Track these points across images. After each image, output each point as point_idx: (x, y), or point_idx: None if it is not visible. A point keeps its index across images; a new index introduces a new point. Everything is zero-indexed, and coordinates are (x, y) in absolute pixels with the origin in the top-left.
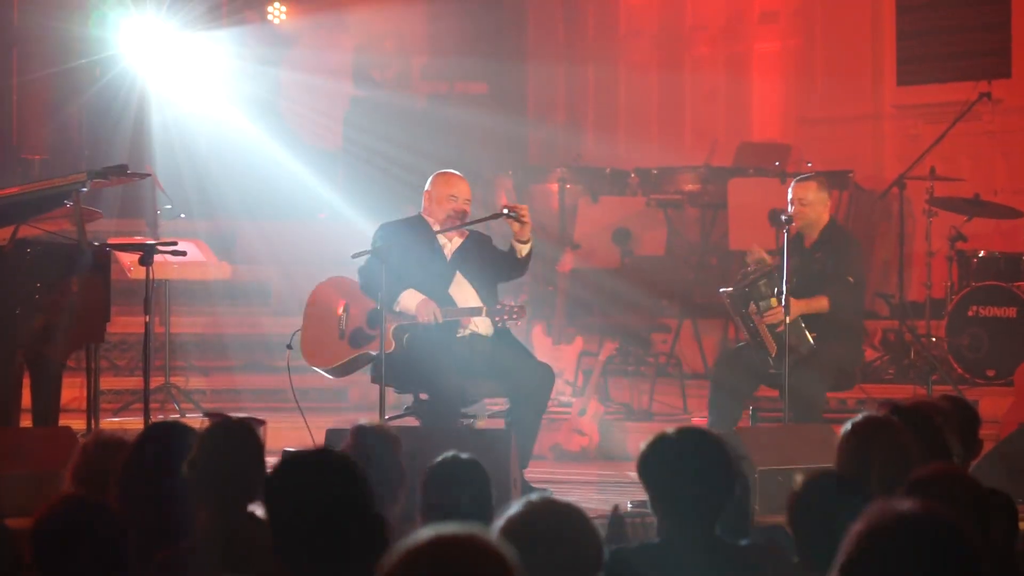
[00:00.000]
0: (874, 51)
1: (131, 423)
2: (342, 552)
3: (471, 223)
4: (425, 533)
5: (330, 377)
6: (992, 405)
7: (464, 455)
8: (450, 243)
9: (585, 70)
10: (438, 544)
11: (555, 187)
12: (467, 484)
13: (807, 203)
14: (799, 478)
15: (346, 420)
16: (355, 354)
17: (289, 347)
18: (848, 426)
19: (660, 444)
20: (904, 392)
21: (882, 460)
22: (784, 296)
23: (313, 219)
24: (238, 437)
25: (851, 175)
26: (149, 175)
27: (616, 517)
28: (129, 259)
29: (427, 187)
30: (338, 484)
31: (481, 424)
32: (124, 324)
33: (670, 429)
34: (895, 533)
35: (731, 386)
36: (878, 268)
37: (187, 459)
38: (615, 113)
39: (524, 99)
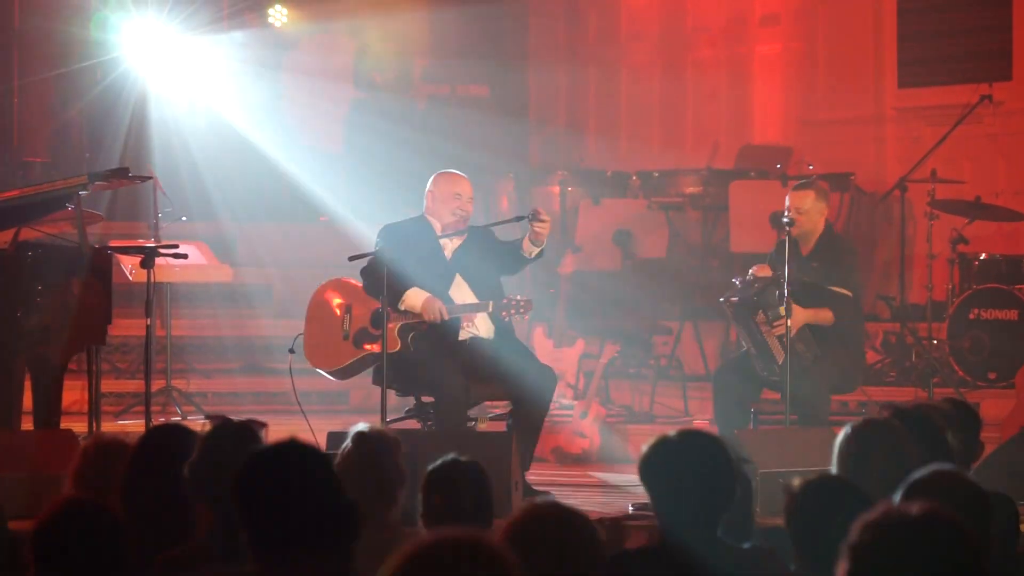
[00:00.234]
0: (875, 53)
1: (132, 426)
2: (315, 540)
3: (491, 225)
4: (427, 536)
5: (333, 379)
6: (993, 407)
7: (465, 458)
8: (451, 243)
9: (586, 72)
10: (440, 547)
11: (556, 189)
12: (468, 487)
13: (804, 212)
14: (797, 480)
15: (347, 423)
16: (359, 355)
17: (291, 351)
18: (848, 429)
19: (661, 446)
20: (905, 395)
21: (882, 463)
22: (786, 300)
23: (314, 221)
24: (239, 440)
25: (852, 178)
26: (150, 178)
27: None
28: (130, 262)
29: (429, 187)
30: (308, 473)
31: (482, 427)
32: (125, 327)
33: (671, 431)
34: (900, 535)
35: (736, 395)
36: (879, 270)
37: (188, 461)
38: (616, 115)
39: (525, 101)
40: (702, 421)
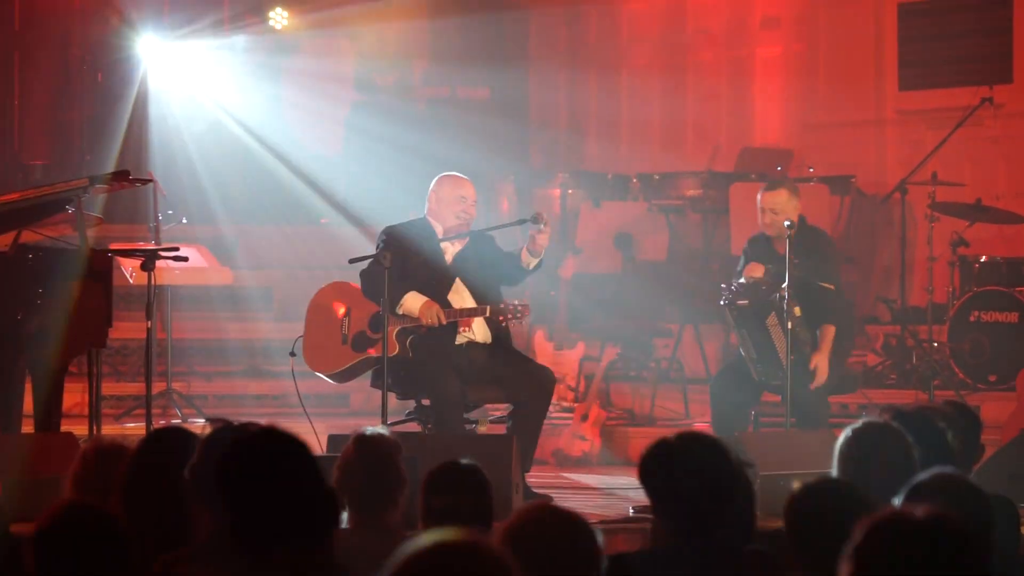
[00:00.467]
0: (876, 56)
1: (133, 429)
2: (296, 527)
3: (492, 229)
4: (427, 539)
5: (332, 382)
6: (994, 410)
7: (464, 460)
8: (452, 247)
9: (587, 75)
10: (440, 550)
11: (557, 192)
12: (467, 489)
13: (779, 211)
14: (797, 483)
15: (348, 426)
16: (358, 358)
17: (292, 353)
18: (848, 431)
19: (662, 449)
20: (906, 397)
21: (882, 465)
22: (786, 302)
23: (315, 224)
24: None
25: (853, 180)
26: (150, 180)
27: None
28: (131, 264)
29: (433, 189)
30: (288, 460)
31: (483, 429)
32: (126, 329)
33: (672, 434)
34: (905, 538)
35: (734, 402)
36: (880, 273)
37: (189, 464)
38: (617, 118)
39: (526, 104)
40: (703, 424)
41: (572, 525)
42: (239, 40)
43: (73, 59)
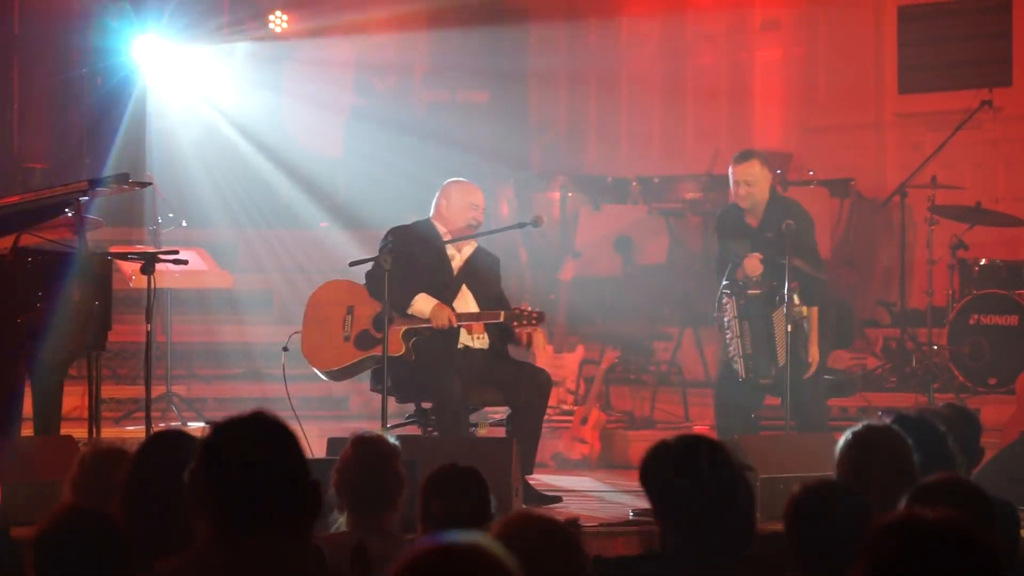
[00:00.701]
0: (876, 59)
1: (133, 432)
2: (278, 513)
3: (492, 232)
4: (427, 542)
5: (328, 380)
6: (994, 413)
7: (463, 464)
8: (459, 255)
9: (587, 78)
10: (439, 553)
11: (557, 195)
12: (466, 493)
13: (752, 183)
14: (797, 486)
15: (347, 429)
16: (361, 356)
17: (285, 349)
18: (848, 434)
19: (662, 452)
20: (906, 400)
21: (882, 468)
22: (786, 303)
23: (315, 228)
24: None
25: (853, 183)
26: (150, 183)
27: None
28: (130, 268)
29: (442, 195)
30: (273, 444)
31: (482, 432)
32: (126, 333)
33: (672, 437)
34: (918, 541)
35: (741, 408)
36: (880, 276)
37: (189, 468)
38: (617, 121)
39: (526, 107)
40: (702, 426)
41: (556, 533)
42: (239, 44)
43: (73, 63)
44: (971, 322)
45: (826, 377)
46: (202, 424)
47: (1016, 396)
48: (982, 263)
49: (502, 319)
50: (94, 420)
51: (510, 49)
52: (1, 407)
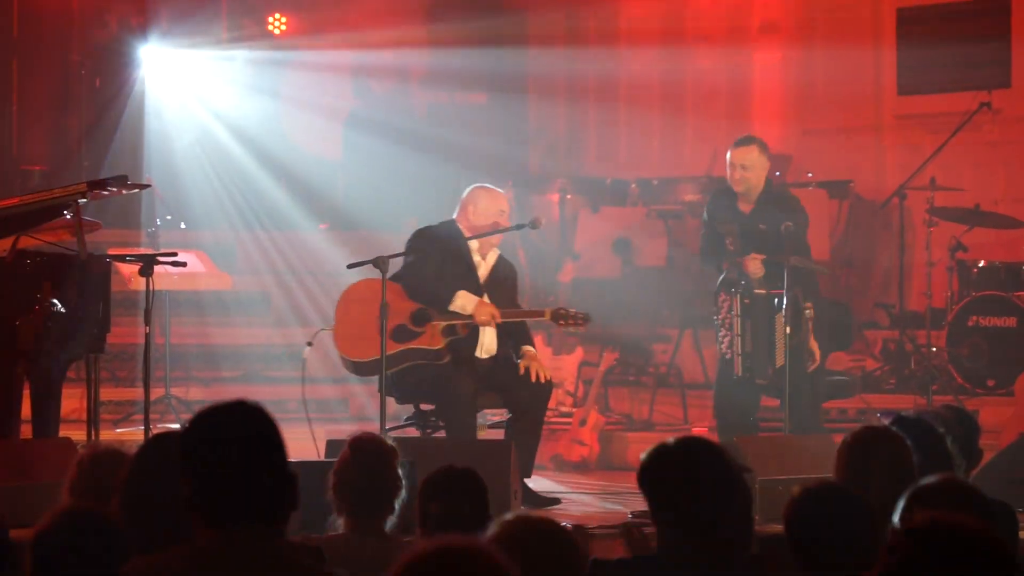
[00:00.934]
0: (875, 61)
1: (131, 434)
2: (257, 503)
3: (492, 234)
4: (425, 544)
5: (355, 374)
6: (992, 415)
7: (460, 465)
8: (484, 262)
9: (585, 80)
10: (438, 555)
11: (555, 197)
12: (464, 495)
13: (749, 168)
14: (796, 488)
15: (346, 430)
16: (400, 348)
17: (310, 344)
18: (847, 436)
19: (660, 454)
20: (905, 402)
21: (882, 470)
22: (785, 304)
23: (314, 229)
24: None
25: (852, 185)
26: (149, 186)
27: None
28: (129, 270)
29: (469, 199)
30: (252, 433)
31: (481, 434)
32: (124, 335)
33: (670, 439)
34: (945, 545)
35: (740, 410)
36: (878, 278)
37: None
38: (616, 123)
39: (525, 109)
40: (701, 428)
41: (555, 535)
42: (237, 46)
43: (72, 65)
44: (970, 324)
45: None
46: None
47: (1015, 398)
48: (981, 265)
49: (547, 317)
50: (93, 422)
51: (509, 51)
52: (0, 409)
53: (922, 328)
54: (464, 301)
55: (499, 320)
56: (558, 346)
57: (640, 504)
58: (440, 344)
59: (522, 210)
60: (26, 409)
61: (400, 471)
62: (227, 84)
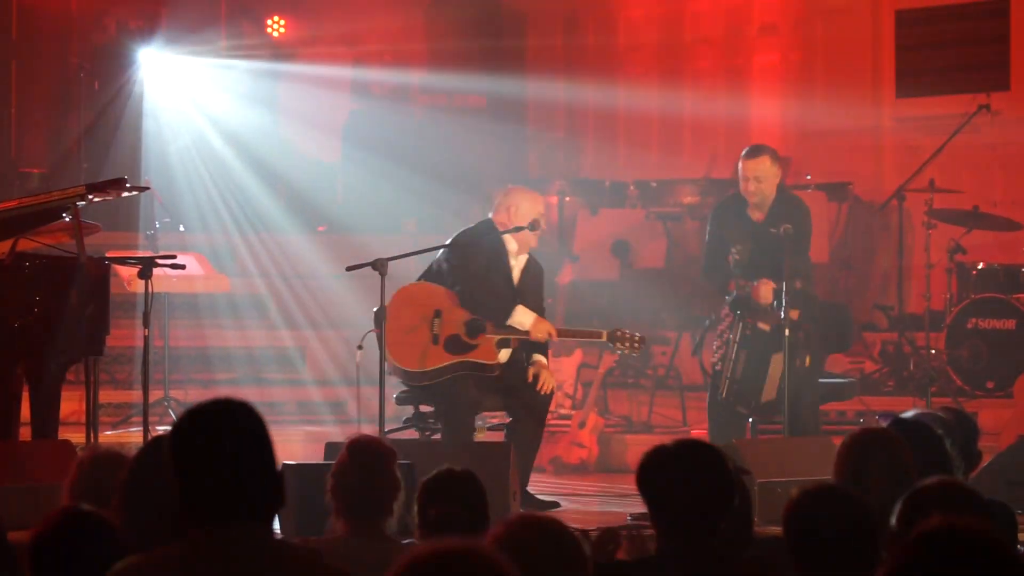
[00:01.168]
0: (874, 64)
1: (130, 436)
2: (246, 499)
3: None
4: (423, 547)
5: (405, 382)
6: (991, 417)
7: (459, 468)
8: (517, 264)
9: (584, 82)
10: (437, 558)
11: (554, 199)
12: (463, 497)
13: (763, 179)
14: (795, 490)
15: (345, 433)
16: (450, 360)
17: (360, 347)
18: (846, 438)
19: (659, 456)
20: (903, 404)
21: (880, 472)
22: (783, 305)
23: (312, 232)
24: None
25: (850, 187)
26: (147, 188)
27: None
28: (128, 272)
29: (510, 201)
30: (240, 430)
31: (481, 437)
32: (123, 337)
33: (669, 441)
34: (953, 549)
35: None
36: (877, 280)
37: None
38: (614, 126)
39: (523, 112)
40: (700, 431)
41: (556, 537)
42: (236, 48)
43: (71, 68)
44: (969, 326)
45: (822, 381)
46: None
47: (1014, 400)
48: (980, 267)
49: (604, 338)
50: (91, 425)
51: (507, 53)
52: None
53: (921, 330)
54: (522, 317)
55: (555, 338)
56: (557, 348)
57: (639, 506)
58: (495, 359)
59: None
60: (25, 411)
61: (399, 473)
62: (226, 86)
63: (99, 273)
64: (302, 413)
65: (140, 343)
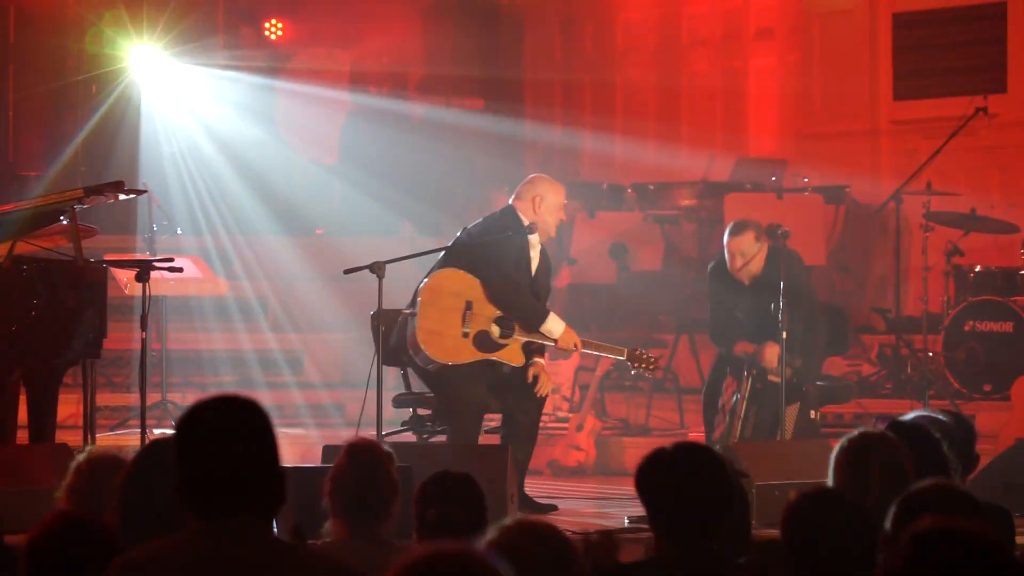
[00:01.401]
0: (871, 66)
1: (128, 439)
2: (249, 499)
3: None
4: (421, 550)
5: (424, 365)
6: (989, 420)
7: (457, 471)
8: (535, 257)
9: (582, 85)
10: (434, 560)
11: None
12: (460, 500)
13: (747, 254)
14: (793, 493)
15: (343, 436)
16: (480, 358)
17: (411, 312)
18: (844, 441)
19: (657, 459)
20: (901, 407)
21: (878, 475)
22: (781, 305)
23: (310, 234)
24: None
25: (848, 190)
26: (145, 191)
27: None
28: (126, 275)
29: (535, 191)
30: (249, 434)
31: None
32: (121, 340)
33: (667, 444)
34: (952, 550)
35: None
36: (875, 283)
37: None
38: (612, 127)
39: (521, 113)
40: (698, 434)
41: (553, 541)
42: (234, 50)
43: (68, 71)
44: (966, 329)
45: (819, 384)
46: None
47: (1012, 403)
48: (977, 269)
49: (624, 356)
50: (89, 428)
51: (505, 55)
52: None
53: (918, 333)
54: (553, 325)
55: (580, 350)
56: (555, 351)
57: (637, 509)
58: (521, 362)
59: None
60: (22, 414)
61: (396, 476)
62: (224, 89)
63: (97, 276)
64: (299, 416)
65: (137, 346)
